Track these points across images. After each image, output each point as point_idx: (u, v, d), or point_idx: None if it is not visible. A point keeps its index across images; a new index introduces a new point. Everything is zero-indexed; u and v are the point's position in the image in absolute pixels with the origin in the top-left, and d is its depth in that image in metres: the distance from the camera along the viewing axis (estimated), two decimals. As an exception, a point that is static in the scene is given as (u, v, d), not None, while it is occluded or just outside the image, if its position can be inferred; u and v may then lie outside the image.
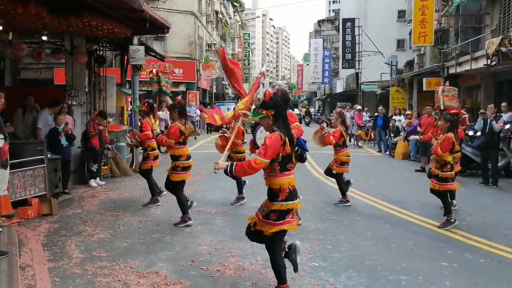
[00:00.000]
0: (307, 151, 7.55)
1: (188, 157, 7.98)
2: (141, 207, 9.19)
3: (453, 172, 8.02)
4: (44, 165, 9.08)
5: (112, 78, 14.66)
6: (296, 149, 5.29)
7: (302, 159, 6.61)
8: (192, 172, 10.37)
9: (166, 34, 27.16)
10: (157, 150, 9.64)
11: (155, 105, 10.12)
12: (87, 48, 12.42)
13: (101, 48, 13.74)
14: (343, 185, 9.67)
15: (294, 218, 4.77)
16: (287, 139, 4.62)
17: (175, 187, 7.86)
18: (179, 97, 8.04)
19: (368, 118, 24.59)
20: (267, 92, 4.87)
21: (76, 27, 10.00)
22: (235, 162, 4.78)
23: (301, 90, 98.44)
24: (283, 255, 4.98)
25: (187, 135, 7.96)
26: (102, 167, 12.24)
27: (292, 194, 4.72)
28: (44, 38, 11.98)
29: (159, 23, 12.32)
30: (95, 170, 11.50)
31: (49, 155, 9.48)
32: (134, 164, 13.86)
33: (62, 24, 9.73)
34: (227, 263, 6.00)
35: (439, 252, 6.69)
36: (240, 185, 9.45)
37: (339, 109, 8.48)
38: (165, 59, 20.75)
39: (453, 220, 7.88)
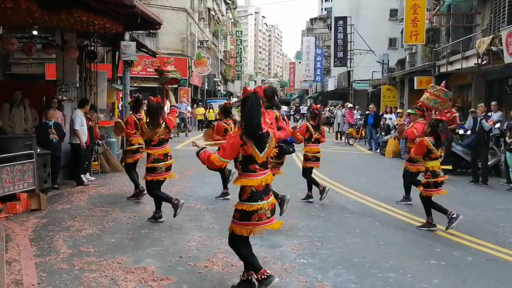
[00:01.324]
0: (292, 145, 7.58)
1: (156, 160, 7.56)
2: (131, 203, 9.16)
3: (436, 179, 7.68)
4: (33, 160, 9.03)
5: (103, 74, 14.59)
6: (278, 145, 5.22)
7: (283, 152, 6.59)
8: (182, 169, 10.38)
9: (158, 31, 27.22)
10: (138, 145, 9.56)
11: (144, 100, 10.05)
12: (78, 43, 12.36)
13: (93, 44, 13.68)
14: (313, 180, 9.69)
15: (262, 220, 4.66)
16: (249, 140, 4.55)
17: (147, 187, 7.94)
18: (158, 97, 7.83)
19: (359, 116, 24.64)
20: (245, 88, 4.88)
21: (67, 22, 9.94)
22: (204, 149, 4.81)
23: (293, 88, 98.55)
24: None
25: (151, 135, 7.54)
26: (92, 162, 12.19)
27: (256, 196, 4.63)
28: (35, 32, 11.90)
29: (150, 19, 12.26)
30: (84, 166, 11.43)
31: (38, 150, 9.43)
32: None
33: (53, 19, 9.67)
34: (215, 259, 5.99)
35: (427, 250, 6.71)
36: (225, 180, 9.48)
37: (314, 105, 8.40)
38: (156, 55, 20.71)
39: (433, 223, 7.74)
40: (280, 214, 7.35)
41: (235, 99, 49.10)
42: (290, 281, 5.38)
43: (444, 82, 8.45)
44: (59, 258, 5.94)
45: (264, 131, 4.63)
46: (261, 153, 4.62)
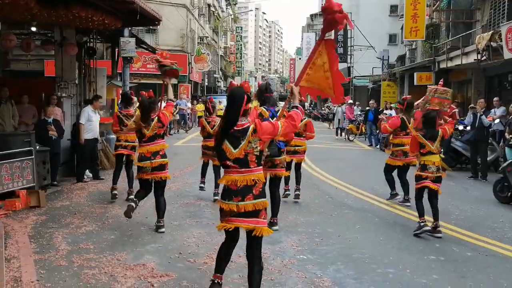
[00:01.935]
0: (278, 146, 7.41)
1: (142, 158, 7.15)
2: (130, 199, 9.13)
3: (425, 174, 7.27)
4: (32, 157, 9.02)
5: (103, 70, 14.57)
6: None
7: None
8: (182, 165, 10.36)
9: (158, 27, 27.21)
10: (125, 142, 9.25)
11: (132, 96, 9.96)
12: (77, 39, 12.32)
13: (92, 40, 13.65)
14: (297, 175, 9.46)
15: (233, 217, 4.40)
16: (223, 135, 4.36)
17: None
18: (151, 91, 7.60)
19: (359, 112, 24.63)
20: (231, 82, 4.77)
21: (66, 18, 9.92)
22: None
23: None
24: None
25: (140, 127, 7.19)
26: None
27: (226, 193, 4.42)
28: (33, 29, 11.88)
29: (150, 15, 12.23)
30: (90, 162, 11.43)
31: (37, 147, 9.42)
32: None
33: (51, 15, 9.65)
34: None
35: (426, 245, 6.72)
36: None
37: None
38: (156, 51, 20.68)
39: (422, 224, 7.15)
40: None
41: None
42: (290, 277, 5.39)
43: (441, 82, 8.29)
44: (59, 255, 5.94)
45: (244, 127, 4.36)
46: (234, 149, 4.32)
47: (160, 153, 7.16)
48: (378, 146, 19.55)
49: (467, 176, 12.46)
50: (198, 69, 36.75)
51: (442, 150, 7.76)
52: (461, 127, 13.79)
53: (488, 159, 12.49)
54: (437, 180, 7.29)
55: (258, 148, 4.37)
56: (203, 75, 41.63)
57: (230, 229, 4.50)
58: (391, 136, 9.40)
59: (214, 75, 48.99)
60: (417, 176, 7.37)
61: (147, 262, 5.74)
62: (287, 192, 9.24)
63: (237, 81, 56.98)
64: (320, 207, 8.90)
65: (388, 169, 9.29)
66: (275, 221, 7.30)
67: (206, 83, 43.80)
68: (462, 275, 5.61)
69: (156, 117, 7.12)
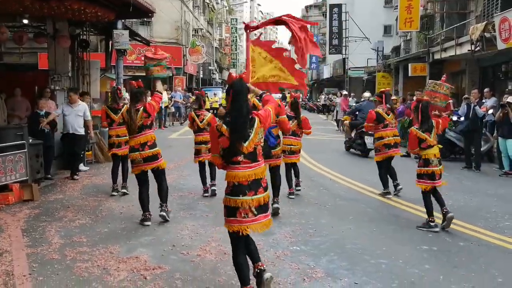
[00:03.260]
0: (270, 145, 7.41)
1: (132, 149, 7.13)
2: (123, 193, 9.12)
3: (428, 168, 7.12)
4: (25, 150, 8.98)
5: (96, 63, 14.51)
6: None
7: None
8: (176, 158, 10.35)
9: (152, 19, 27.06)
10: (117, 138, 9.15)
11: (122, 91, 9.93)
12: (70, 32, 12.26)
13: (85, 32, 13.58)
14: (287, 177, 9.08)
15: (249, 218, 4.32)
16: (227, 129, 4.27)
17: None
18: (139, 81, 7.52)
19: (354, 104, 24.59)
20: (230, 73, 4.67)
21: (58, 11, 9.86)
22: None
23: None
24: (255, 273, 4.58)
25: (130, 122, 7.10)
26: (86, 152, 12.13)
27: (238, 190, 4.30)
28: (25, 21, 11.78)
29: (143, 7, 12.19)
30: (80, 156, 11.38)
31: (30, 140, 9.39)
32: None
33: (43, 7, 9.60)
34: (208, 248, 6.00)
35: (419, 235, 6.74)
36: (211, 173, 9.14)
37: (293, 93, 7.95)
38: (150, 43, 20.60)
39: (433, 224, 6.98)
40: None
41: None
42: (283, 268, 5.40)
43: (444, 77, 8.15)
44: (51, 248, 5.94)
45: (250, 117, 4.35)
46: (245, 142, 4.28)
47: (148, 143, 7.08)
48: (373, 138, 19.50)
49: (461, 166, 12.48)
50: (193, 61, 36.66)
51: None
52: (455, 118, 13.80)
53: (481, 149, 12.53)
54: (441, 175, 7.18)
55: (263, 139, 4.48)
56: (198, 67, 41.53)
57: (242, 234, 4.38)
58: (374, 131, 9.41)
59: (209, 67, 48.86)
60: (423, 174, 7.14)
61: (140, 254, 5.74)
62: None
63: (236, 74, 57.11)
64: (314, 198, 8.91)
65: (380, 166, 9.28)
66: (276, 200, 7.53)
67: (201, 75, 43.70)
68: (454, 265, 5.63)
69: (142, 108, 7.05)
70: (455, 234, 6.84)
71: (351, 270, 5.39)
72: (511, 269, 5.54)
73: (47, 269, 5.26)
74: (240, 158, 4.30)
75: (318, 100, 43.51)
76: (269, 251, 5.94)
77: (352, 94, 28.44)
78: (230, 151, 4.29)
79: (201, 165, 9.02)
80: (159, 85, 7.59)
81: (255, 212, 4.34)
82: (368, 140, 14.00)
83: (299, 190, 9.27)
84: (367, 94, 19.50)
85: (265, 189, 4.42)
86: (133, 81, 7.33)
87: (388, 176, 9.26)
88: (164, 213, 7.16)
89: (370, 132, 13.27)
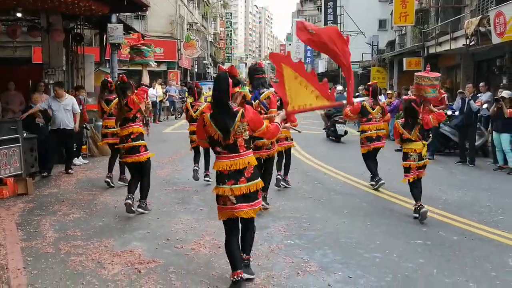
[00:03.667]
0: None
1: (120, 141, 7.36)
2: (118, 186, 9.11)
3: (408, 163, 7.36)
4: (19, 144, 8.96)
5: (90, 57, 14.47)
6: None
7: None
8: (171, 152, 10.36)
9: (147, 13, 26.96)
10: (106, 129, 9.34)
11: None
12: (64, 26, 12.22)
13: (79, 26, 13.53)
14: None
15: (228, 205, 4.51)
16: (211, 120, 4.48)
17: None
18: (123, 76, 7.59)
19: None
20: (220, 66, 4.82)
21: (51, 4, 9.82)
22: None
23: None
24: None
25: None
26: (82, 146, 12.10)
27: (219, 178, 4.53)
28: (19, 15, 11.71)
29: (137, 1, 12.15)
30: (75, 150, 11.35)
31: (25, 134, 9.35)
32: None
33: (37, 1, 9.55)
34: (202, 242, 6.00)
35: (413, 229, 6.76)
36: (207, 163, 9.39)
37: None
38: (145, 38, 20.53)
39: (419, 207, 7.12)
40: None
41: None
42: (277, 262, 5.41)
43: (428, 67, 8.17)
44: (46, 242, 5.93)
45: (233, 110, 4.45)
46: (224, 134, 4.44)
47: (132, 136, 7.17)
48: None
49: (455, 161, 12.53)
50: (187, 55, 36.55)
51: (429, 137, 7.70)
52: (449, 112, 13.83)
53: (476, 144, 12.57)
54: (424, 167, 7.40)
55: (247, 132, 4.48)
56: (193, 62, 41.43)
57: (229, 220, 4.62)
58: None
59: (204, 62, 48.76)
60: (404, 167, 7.43)
61: (134, 248, 5.74)
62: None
63: (226, 67, 56.77)
64: (309, 192, 8.92)
65: (366, 158, 9.42)
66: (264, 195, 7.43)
67: (196, 70, 43.61)
68: (448, 258, 5.65)
69: (125, 101, 7.19)
70: (449, 228, 6.87)
71: (345, 264, 5.40)
72: (504, 263, 5.57)
73: (41, 263, 5.25)
74: (219, 148, 4.51)
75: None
76: (263, 245, 5.95)
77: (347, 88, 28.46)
78: (214, 141, 4.53)
79: (196, 150, 9.38)
80: (145, 77, 7.48)
81: (234, 201, 4.48)
82: (339, 128, 16.37)
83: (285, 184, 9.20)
84: (339, 88, 21.11)
85: (249, 179, 4.51)
86: (121, 75, 7.43)
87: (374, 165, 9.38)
88: (141, 209, 7.21)
89: (341, 121, 16.25)
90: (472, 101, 12.18)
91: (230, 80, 4.46)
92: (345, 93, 22.41)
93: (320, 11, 50.05)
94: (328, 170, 11.17)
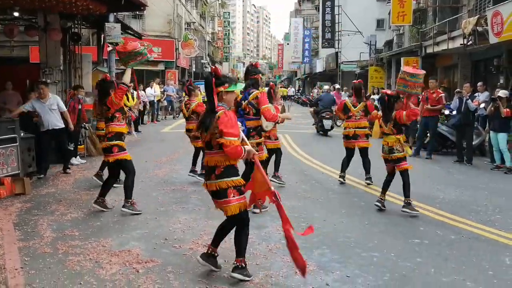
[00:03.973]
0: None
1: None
2: (117, 186, 9.07)
3: (382, 154, 7.76)
4: (17, 144, 8.95)
5: (88, 56, 14.46)
6: None
7: None
8: (169, 152, 10.37)
9: (144, 12, 26.95)
10: (99, 130, 9.72)
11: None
12: (62, 25, 12.19)
13: (77, 25, 13.51)
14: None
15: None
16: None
17: None
18: (105, 75, 7.63)
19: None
20: (214, 67, 4.95)
21: (49, 3, 9.81)
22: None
23: (281, 69, 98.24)
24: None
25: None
26: (78, 146, 12.08)
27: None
28: (16, 14, 11.70)
29: (135, 0, 12.13)
30: (72, 149, 11.34)
31: (22, 134, 9.34)
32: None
33: (34, 0, 9.52)
34: (200, 241, 6.00)
35: (411, 229, 6.77)
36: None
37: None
38: (142, 37, 20.53)
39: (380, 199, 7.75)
40: None
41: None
42: (275, 262, 5.42)
43: (415, 61, 8.29)
44: (43, 242, 5.92)
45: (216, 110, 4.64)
46: (206, 131, 4.69)
47: (108, 135, 7.21)
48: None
49: (453, 160, 12.55)
50: (185, 54, 36.52)
51: (403, 132, 7.81)
52: (447, 112, 13.87)
53: (473, 143, 12.59)
54: (398, 161, 7.55)
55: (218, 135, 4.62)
56: (191, 61, 41.40)
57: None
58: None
59: (202, 61, 48.70)
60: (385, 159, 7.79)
61: (132, 248, 5.73)
62: None
63: (225, 67, 56.68)
64: (307, 192, 8.93)
65: (346, 152, 9.79)
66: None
67: (194, 69, 43.57)
68: (445, 258, 5.67)
69: (105, 100, 7.25)
70: (446, 227, 6.88)
71: (343, 263, 5.41)
72: (501, 262, 5.58)
73: (39, 263, 5.24)
74: (203, 145, 4.88)
75: (311, 93, 43.54)
76: (261, 244, 5.96)
77: (344, 88, 28.47)
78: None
79: (195, 148, 9.46)
80: (126, 76, 7.42)
81: (211, 196, 4.88)
82: (326, 123, 18.05)
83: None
84: (326, 87, 24.51)
85: (218, 177, 4.71)
86: (105, 75, 7.46)
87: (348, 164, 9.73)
88: (125, 209, 7.18)
89: (327, 117, 18.04)
90: (469, 101, 12.20)
91: (214, 80, 4.64)
92: (331, 93, 23.22)
93: (318, 10, 50.08)
94: (326, 169, 11.18)
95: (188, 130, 9.54)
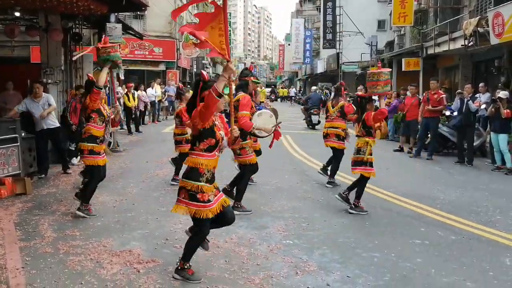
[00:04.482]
0: None
1: None
2: (119, 186, 9.09)
3: (356, 156, 7.76)
4: (18, 144, 8.96)
5: (89, 56, 14.42)
6: None
7: None
8: (170, 152, 10.35)
9: (145, 12, 26.96)
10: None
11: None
12: (63, 25, 12.17)
13: (78, 26, 13.51)
14: None
15: None
16: None
17: None
18: (88, 74, 7.60)
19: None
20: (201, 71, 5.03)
21: (50, 4, 9.78)
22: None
23: (282, 70, 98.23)
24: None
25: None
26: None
27: None
28: (17, 14, 11.69)
29: (136, 0, 12.13)
30: (73, 149, 11.33)
31: (23, 134, 9.34)
32: (112, 143, 13.73)
33: (36, 0, 9.52)
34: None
35: (411, 229, 6.78)
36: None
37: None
38: (143, 37, 20.55)
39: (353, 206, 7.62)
40: None
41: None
42: (276, 262, 5.42)
43: (379, 61, 8.30)
44: (44, 242, 5.92)
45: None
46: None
47: (83, 136, 7.13)
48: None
49: (454, 161, 12.56)
50: (186, 55, 36.45)
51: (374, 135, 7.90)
52: (448, 113, 13.87)
53: (474, 144, 12.59)
54: (360, 163, 7.63)
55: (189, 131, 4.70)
56: (192, 61, 41.40)
57: None
58: None
59: (203, 62, 48.70)
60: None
61: (133, 248, 5.74)
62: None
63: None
64: (308, 192, 8.93)
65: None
66: (237, 205, 7.32)
67: (195, 69, 43.56)
68: (445, 258, 5.67)
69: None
70: (447, 228, 6.88)
71: (344, 264, 5.42)
72: (502, 263, 5.59)
73: (40, 263, 5.25)
74: None
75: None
76: (262, 245, 5.96)
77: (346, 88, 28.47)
78: None
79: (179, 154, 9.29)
80: (101, 77, 7.22)
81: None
82: (314, 118, 21.60)
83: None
84: (314, 87, 28.14)
85: (183, 177, 4.77)
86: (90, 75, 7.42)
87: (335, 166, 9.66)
88: (79, 211, 7.03)
89: (315, 113, 21.55)
90: (470, 102, 12.20)
91: (201, 84, 4.70)
92: (318, 91, 24.92)
93: (319, 11, 50.09)
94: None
95: (174, 134, 9.40)
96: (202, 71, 5.36)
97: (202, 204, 4.66)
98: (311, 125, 21.61)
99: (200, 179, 4.67)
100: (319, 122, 21.09)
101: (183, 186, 4.73)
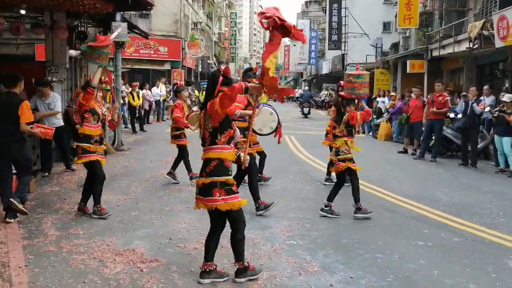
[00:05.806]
0: None
1: None
2: (123, 185, 9.12)
3: (330, 157, 7.84)
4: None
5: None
6: None
7: None
8: (175, 151, 10.37)
9: (151, 12, 26.97)
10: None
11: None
12: (68, 23, 12.19)
13: (83, 24, 13.53)
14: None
15: (196, 200, 4.92)
16: None
17: None
18: (90, 76, 7.61)
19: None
20: (226, 66, 4.98)
21: (56, 2, 9.80)
22: None
23: (287, 70, 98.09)
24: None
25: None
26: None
27: None
28: (23, 12, 11.71)
29: (142, -1, 12.15)
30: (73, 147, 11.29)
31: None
32: (116, 142, 13.76)
33: (41, -2, 9.55)
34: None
35: (415, 231, 6.77)
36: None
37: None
38: (149, 36, 20.57)
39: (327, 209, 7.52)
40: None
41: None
42: (279, 262, 5.42)
43: (357, 65, 8.32)
44: (47, 240, 5.93)
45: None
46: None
47: (80, 136, 7.08)
48: (370, 134, 19.63)
49: (457, 163, 12.52)
50: (191, 54, 36.53)
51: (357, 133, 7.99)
52: (452, 115, 13.84)
53: (478, 146, 12.55)
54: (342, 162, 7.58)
55: (210, 125, 4.63)
56: (197, 61, 41.44)
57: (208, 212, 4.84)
58: None
59: (208, 61, 48.76)
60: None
61: (136, 247, 5.74)
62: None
63: (231, 67, 56.60)
64: (311, 193, 8.93)
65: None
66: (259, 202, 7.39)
67: (200, 69, 43.60)
68: (449, 260, 5.66)
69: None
70: (450, 230, 6.87)
71: (347, 264, 5.42)
72: (505, 265, 5.57)
73: (43, 261, 5.26)
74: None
75: (319, 96, 43.67)
76: (266, 245, 5.96)
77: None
78: None
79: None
80: (95, 77, 7.15)
81: (197, 192, 4.80)
82: (305, 110, 30.43)
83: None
84: (306, 88, 36.80)
85: (208, 174, 4.65)
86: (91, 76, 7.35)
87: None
88: (95, 215, 6.99)
89: (306, 106, 30.48)
90: (475, 104, 12.17)
91: (221, 79, 4.65)
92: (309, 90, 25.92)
93: (325, 12, 50.00)
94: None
95: (172, 129, 9.79)
96: (228, 65, 5.38)
97: (238, 194, 4.74)
98: (303, 114, 30.05)
99: (229, 172, 4.71)
100: (309, 112, 30.54)
101: (214, 183, 4.61)
